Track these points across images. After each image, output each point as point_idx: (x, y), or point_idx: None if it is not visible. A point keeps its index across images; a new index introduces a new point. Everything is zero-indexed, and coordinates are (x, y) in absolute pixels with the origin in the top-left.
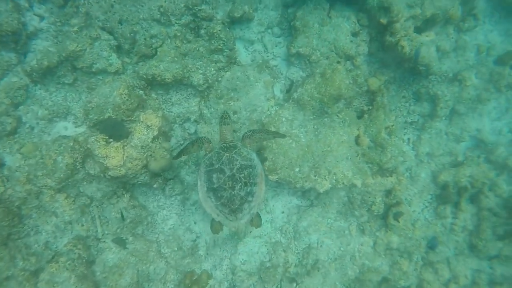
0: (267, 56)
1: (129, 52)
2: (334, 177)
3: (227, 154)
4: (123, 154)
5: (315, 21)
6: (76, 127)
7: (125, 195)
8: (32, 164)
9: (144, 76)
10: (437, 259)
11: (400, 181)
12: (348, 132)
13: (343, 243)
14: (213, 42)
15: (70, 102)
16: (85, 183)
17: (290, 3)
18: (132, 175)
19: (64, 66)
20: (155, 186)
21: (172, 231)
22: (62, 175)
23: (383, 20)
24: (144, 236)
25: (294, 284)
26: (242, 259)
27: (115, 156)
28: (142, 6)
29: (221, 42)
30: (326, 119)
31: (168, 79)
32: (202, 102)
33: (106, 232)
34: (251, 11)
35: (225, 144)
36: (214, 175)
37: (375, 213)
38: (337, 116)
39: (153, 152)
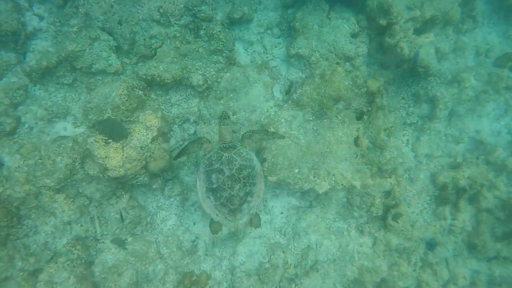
0: (267, 57)
1: (128, 53)
2: (333, 178)
3: (227, 154)
4: (122, 155)
5: (315, 22)
6: (75, 127)
7: (124, 195)
8: (31, 164)
9: (144, 77)
10: (436, 260)
11: (399, 182)
12: (347, 133)
13: (342, 244)
14: (212, 43)
15: (69, 103)
16: (84, 183)
17: (290, 4)
18: (132, 175)
19: (63, 67)
20: (154, 186)
21: (171, 232)
22: (61, 176)
23: (383, 22)
24: (143, 236)
25: (293, 285)
26: (241, 260)
27: (114, 157)
28: (142, 6)
29: (221, 43)
30: (325, 120)
31: (167, 79)
32: (202, 103)
33: (105, 232)
34: (250, 12)
35: (224, 145)
36: (214, 175)
37: (374, 214)
38: (337, 117)
39: (153, 152)
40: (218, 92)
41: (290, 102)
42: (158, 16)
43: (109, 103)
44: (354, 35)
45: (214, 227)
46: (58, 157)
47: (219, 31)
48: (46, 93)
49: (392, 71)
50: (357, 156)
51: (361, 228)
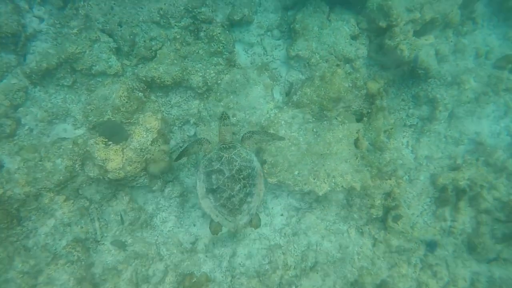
0: (267, 59)
1: (128, 54)
2: (333, 180)
3: (227, 155)
4: (123, 157)
5: (315, 24)
6: (75, 129)
7: (124, 197)
8: (31, 166)
9: (144, 79)
10: (436, 261)
11: (399, 184)
12: (347, 135)
13: (342, 245)
14: (212, 44)
15: (69, 104)
16: (84, 185)
17: (290, 6)
18: (132, 177)
19: (63, 68)
20: (154, 188)
21: (171, 233)
22: (61, 177)
23: (383, 24)
24: (143, 238)
25: (293, 287)
26: (241, 262)
27: (114, 159)
28: (142, 8)
29: (221, 44)
30: (325, 122)
31: (167, 81)
32: (202, 104)
33: (105, 234)
34: (250, 14)
35: (224, 145)
36: (214, 176)
37: (374, 216)
38: (336, 119)
39: (153, 154)
40: (218, 93)
41: (290, 104)
42: (158, 18)
43: (109, 104)
44: (354, 37)
45: (214, 227)
46: (58, 159)
47: (219, 33)
48: (46, 95)
49: (392, 73)
50: (357, 158)
51: (361, 230)
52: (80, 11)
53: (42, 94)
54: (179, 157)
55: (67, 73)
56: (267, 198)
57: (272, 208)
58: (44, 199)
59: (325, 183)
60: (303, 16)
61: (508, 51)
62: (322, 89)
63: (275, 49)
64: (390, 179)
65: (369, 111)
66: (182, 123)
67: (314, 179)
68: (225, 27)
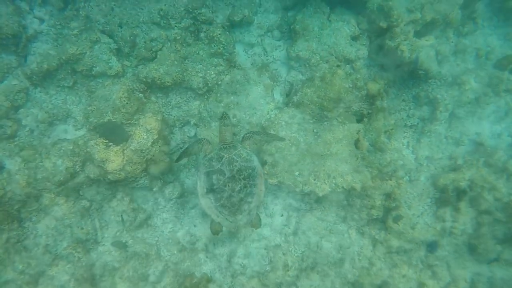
0: (267, 60)
1: (129, 55)
2: (334, 181)
3: (227, 155)
4: (123, 158)
5: (315, 25)
6: (76, 130)
7: (124, 198)
8: (32, 167)
9: (144, 79)
10: (437, 262)
11: (399, 185)
12: (347, 135)
13: (343, 246)
14: (213, 45)
15: (70, 105)
16: (84, 186)
17: (290, 6)
18: (132, 178)
19: (64, 69)
20: (155, 189)
21: (171, 234)
22: (61, 178)
23: (383, 24)
24: (144, 239)
25: (294, 287)
26: (242, 262)
27: (114, 160)
28: (142, 9)
29: (221, 45)
30: (325, 122)
31: (168, 82)
32: (202, 105)
33: (106, 235)
34: (251, 15)
35: (225, 146)
36: (214, 176)
37: (375, 217)
38: (337, 119)
39: (153, 155)
40: (219, 94)
41: (290, 104)
42: (158, 19)
43: (110, 105)
44: (354, 38)
45: (215, 228)
46: (58, 160)
47: (219, 34)
48: (47, 96)
49: (392, 73)
50: (357, 159)
51: (361, 231)
52: (80, 12)
53: (43, 95)
54: (179, 158)
55: (68, 74)
56: (267, 199)
57: (273, 208)
58: (45, 200)
59: (326, 184)
60: (304, 17)
61: (509, 51)
62: (323, 89)
63: (276, 49)
64: (391, 180)
65: (370, 111)
66: (182, 124)
67: (314, 179)
68: (226, 28)
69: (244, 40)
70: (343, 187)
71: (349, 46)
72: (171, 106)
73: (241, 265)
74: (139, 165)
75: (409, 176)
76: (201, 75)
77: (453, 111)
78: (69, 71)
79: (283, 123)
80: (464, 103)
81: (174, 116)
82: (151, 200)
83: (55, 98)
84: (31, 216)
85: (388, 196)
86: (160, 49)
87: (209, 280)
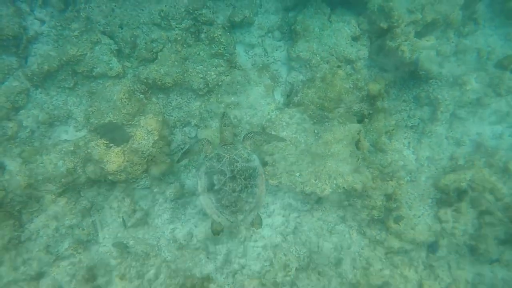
0: (268, 60)
1: (129, 56)
2: (335, 182)
3: (228, 156)
4: (124, 159)
5: (316, 25)
6: (76, 131)
7: (125, 199)
8: (33, 168)
9: (145, 80)
10: (438, 263)
11: (400, 185)
12: (348, 136)
13: (343, 246)
14: (213, 46)
15: (70, 106)
16: (85, 187)
17: (291, 7)
18: (133, 179)
19: (64, 70)
20: (155, 190)
21: (172, 235)
22: (62, 179)
23: (384, 25)
24: (145, 239)
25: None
26: (243, 263)
27: (115, 161)
28: (143, 10)
29: (222, 46)
30: (326, 123)
31: (168, 83)
32: (203, 106)
33: (107, 236)
34: (251, 15)
35: (225, 146)
36: (215, 177)
37: (376, 217)
38: (338, 120)
39: (154, 156)
40: (219, 95)
41: (291, 105)
42: (159, 20)
43: (110, 106)
44: (355, 38)
45: (216, 228)
46: (59, 161)
47: (220, 35)
48: (48, 97)
49: (393, 74)
50: (358, 159)
51: (362, 231)
52: (81, 13)
53: (44, 96)
54: (180, 158)
55: (68, 75)
56: (268, 199)
57: (273, 209)
58: (46, 201)
59: (327, 184)
60: (304, 17)
61: (510, 51)
62: (323, 90)
63: (276, 50)
64: (392, 180)
65: (370, 112)
66: (183, 125)
67: (315, 180)
68: (226, 28)
69: (245, 41)
70: (344, 187)
71: (349, 46)
72: (172, 107)
73: (242, 265)
74: (139, 166)
75: (410, 177)
76: (202, 75)
77: (454, 111)
78: (70, 72)
79: (284, 123)
80: (465, 103)
81: (175, 117)
82: (151, 201)
83: (56, 99)
84: (32, 217)
85: (389, 196)
86: (161, 50)
87: (210, 280)
